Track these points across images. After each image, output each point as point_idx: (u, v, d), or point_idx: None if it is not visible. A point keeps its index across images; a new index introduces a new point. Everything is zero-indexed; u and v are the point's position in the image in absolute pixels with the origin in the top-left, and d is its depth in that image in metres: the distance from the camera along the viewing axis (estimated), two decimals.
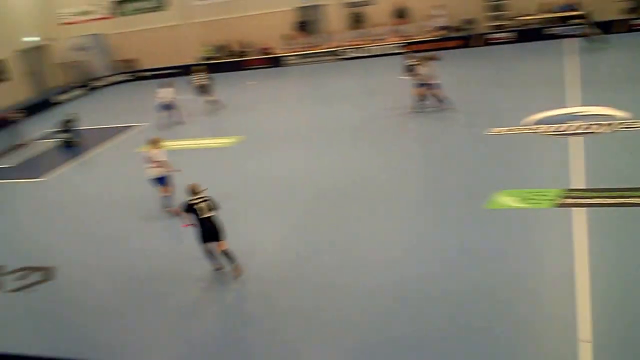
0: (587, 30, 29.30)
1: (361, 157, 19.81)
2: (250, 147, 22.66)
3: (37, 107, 34.05)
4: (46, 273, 15.23)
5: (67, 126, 27.03)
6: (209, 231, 13.19)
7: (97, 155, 25.05)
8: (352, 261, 13.45)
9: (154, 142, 17.69)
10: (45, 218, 19.42)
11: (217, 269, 13.62)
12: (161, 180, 17.55)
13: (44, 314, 13.71)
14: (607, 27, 30.13)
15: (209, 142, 24.10)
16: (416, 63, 23.46)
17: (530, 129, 19.25)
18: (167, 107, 27.29)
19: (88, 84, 40.33)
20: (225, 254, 13.35)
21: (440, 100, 22.80)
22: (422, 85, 22.86)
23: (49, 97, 37.51)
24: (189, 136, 25.31)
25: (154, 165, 17.44)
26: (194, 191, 13.34)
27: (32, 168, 25.09)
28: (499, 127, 19.70)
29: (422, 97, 23.01)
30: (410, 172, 18.19)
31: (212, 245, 13.35)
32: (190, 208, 13.17)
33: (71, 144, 26.65)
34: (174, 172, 17.52)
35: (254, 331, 11.81)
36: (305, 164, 20.01)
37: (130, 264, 15.08)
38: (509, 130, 19.32)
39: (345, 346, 10.82)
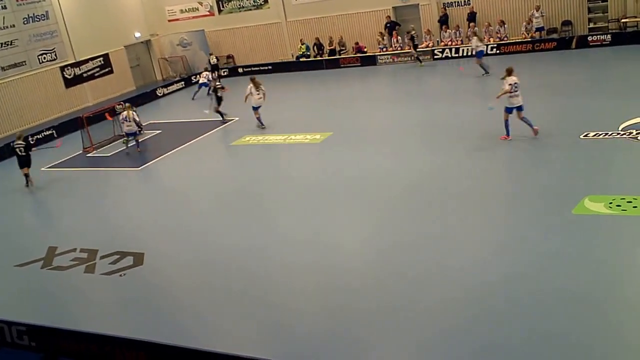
0: None
1: (450, 158, 19.75)
2: (338, 145, 22.94)
3: (139, 100, 35.16)
4: (136, 258, 15.89)
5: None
6: (23, 162, 23.15)
7: (191, 148, 25.80)
8: (435, 263, 13.50)
9: (127, 107, 26.38)
10: (135, 207, 20.25)
11: (28, 184, 23.46)
12: (134, 134, 26.20)
13: (130, 297, 14.32)
14: None
15: (299, 138, 24.47)
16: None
17: (624, 134, 18.82)
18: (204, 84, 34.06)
19: (188, 79, 41.39)
20: (27, 175, 23.35)
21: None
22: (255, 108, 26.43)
23: (151, 90, 38.69)
24: (281, 132, 25.76)
25: (128, 124, 25.81)
26: (18, 137, 23.63)
27: (128, 158, 26.14)
28: (593, 132, 19.32)
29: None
30: (501, 173, 18.10)
31: (25, 169, 23.22)
32: (13, 148, 23.12)
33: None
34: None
35: (322, 324, 12.02)
36: (390, 162, 20.10)
37: (209, 257, 15.59)
38: (604, 135, 18.95)
39: (424, 344, 11.01)
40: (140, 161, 25.10)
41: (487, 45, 33.38)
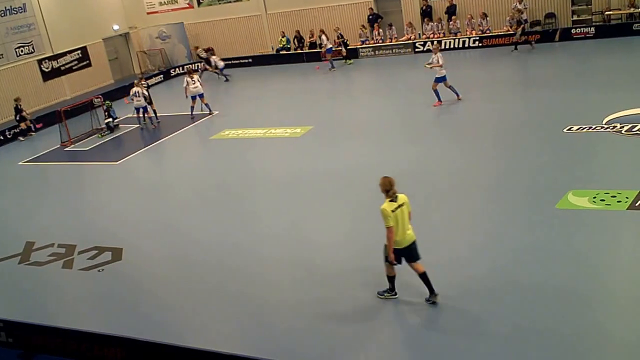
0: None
1: (433, 151, 19.67)
2: (318, 139, 22.77)
3: (117, 94, 34.80)
4: (114, 253, 15.68)
5: (108, 113, 29.09)
6: None
7: (170, 142, 25.59)
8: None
9: (137, 82, 28.38)
10: (114, 201, 19.94)
11: None
12: (144, 109, 28.03)
13: (108, 293, 14.13)
14: None
15: (279, 132, 24.26)
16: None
17: (608, 128, 18.76)
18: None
19: (167, 72, 41.04)
20: None
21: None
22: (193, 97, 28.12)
23: (130, 84, 38.27)
24: (261, 125, 25.51)
25: (134, 99, 27.74)
26: None
27: (106, 152, 25.88)
28: (577, 125, 19.21)
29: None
30: (484, 167, 17.97)
31: None
32: None
33: (112, 128, 28.87)
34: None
35: (303, 321, 11.91)
36: (371, 156, 19.91)
37: (188, 252, 15.40)
38: (588, 128, 18.86)
39: (404, 340, 10.91)
40: (118, 155, 24.80)
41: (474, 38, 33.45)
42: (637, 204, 13.90)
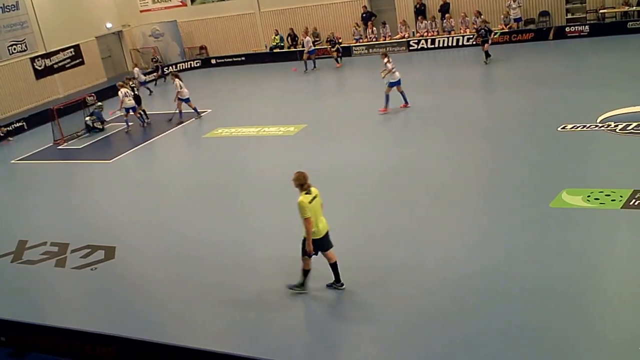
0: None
1: (427, 149, 19.65)
2: (312, 137, 22.74)
3: (110, 92, 34.64)
4: (107, 252, 15.61)
5: (93, 113, 29.14)
6: None
7: (162, 141, 25.52)
8: (410, 256, 13.32)
9: (122, 84, 28.21)
10: (107, 200, 19.89)
11: None
12: (133, 109, 27.65)
13: (101, 292, 14.06)
14: None
15: (273, 130, 24.20)
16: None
17: (602, 126, 18.73)
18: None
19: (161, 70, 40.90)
20: None
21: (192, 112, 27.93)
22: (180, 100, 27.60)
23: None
24: (254, 124, 25.43)
25: (125, 99, 27.34)
26: None
27: (99, 150, 25.82)
28: (571, 124, 19.18)
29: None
30: (478, 165, 17.95)
31: None
32: None
33: (95, 128, 28.81)
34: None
35: (290, 316, 11.90)
36: (365, 154, 19.89)
37: (181, 251, 15.32)
38: (582, 127, 18.82)
39: (397, 338, 10.83)
40: (111, 154, 24.73)
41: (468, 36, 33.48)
42: (631, 203, 13.88)
